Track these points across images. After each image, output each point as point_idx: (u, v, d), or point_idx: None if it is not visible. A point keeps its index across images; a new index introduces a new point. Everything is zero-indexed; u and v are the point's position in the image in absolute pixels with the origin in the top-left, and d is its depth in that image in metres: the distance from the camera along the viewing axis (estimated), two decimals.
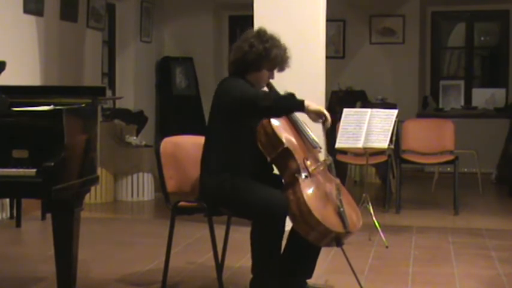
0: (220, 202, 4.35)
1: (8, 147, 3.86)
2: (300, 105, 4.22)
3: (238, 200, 4.26)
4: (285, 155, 4.27)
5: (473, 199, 8.47)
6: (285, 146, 4.25)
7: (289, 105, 4.26)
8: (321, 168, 4.39)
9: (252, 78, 4.39)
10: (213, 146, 4.38)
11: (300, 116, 4.43)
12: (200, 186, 4.41)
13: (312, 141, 4.42)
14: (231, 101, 4.27)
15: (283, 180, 4.36)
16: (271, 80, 4.48)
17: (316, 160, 4.42)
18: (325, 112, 4.26)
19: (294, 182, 4.21)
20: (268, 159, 4.31)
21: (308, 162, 4.29)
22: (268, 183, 4.27)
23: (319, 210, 4.15)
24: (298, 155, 4.28)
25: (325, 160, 4.49)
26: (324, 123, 4.30)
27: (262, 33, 4.40)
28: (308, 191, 4.18)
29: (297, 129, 4.41)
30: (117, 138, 8.49)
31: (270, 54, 4.34)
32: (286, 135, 4.30)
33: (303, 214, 4.14)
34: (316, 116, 4.26)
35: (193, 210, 4.54)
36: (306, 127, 4.45)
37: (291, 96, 4.28)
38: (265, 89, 4.49)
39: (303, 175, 4.23)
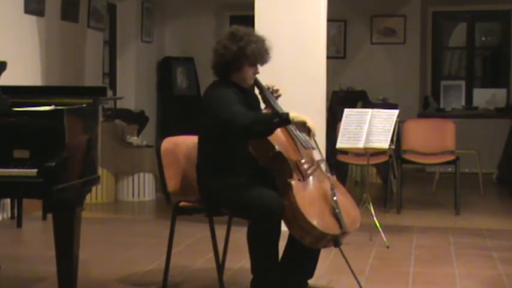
0: (217, 203, 4.35)
1: (9, 147, 3.86)
2: (285, 121, 4.14)
3: (234, 201, 4.26)
4: (277, 159, 4.22)
5: (474, 199, 8.46)
6: (277, 149, 4.20)
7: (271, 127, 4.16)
8: (315, 168, 4.35)
9: (235, 78, 4.36)
10: (205, 149, 4.38)
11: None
12: (198, 188, 4.42)
13: (304, 142, 4.37)
14: (212, 116, 4.24)
15: (277, 184, 4.31)
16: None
17: (310, 160, 4.37)
18: (310, 122, 4.31)
19: (287, 186, 4.16)
20: (260, 163, 4.28)
21: (301, 165, 4.26)
22: (263, 184, 4.24)
23: (314, 215, 4.11)
24: (291, 159, 4.24)
25: (318, 161, 4.45)
26: (308, 134, 4.31)
27: (235, 33, 4.34)
28: (302, 195, 4.14)
29: (288, 131, 4.36)
30: (118, 138, 8.49)
31: (245, 51, 4.28)
32: (278, 139, 4.25)
33: (297, 219, 4.11)
34: (302, 127, 4.29)
35: (194, 211, 4.55)
36: (296, 128, 4.40)
37: (271, 117, 4.17)
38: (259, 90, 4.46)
39: (296, 179, 4.19)
